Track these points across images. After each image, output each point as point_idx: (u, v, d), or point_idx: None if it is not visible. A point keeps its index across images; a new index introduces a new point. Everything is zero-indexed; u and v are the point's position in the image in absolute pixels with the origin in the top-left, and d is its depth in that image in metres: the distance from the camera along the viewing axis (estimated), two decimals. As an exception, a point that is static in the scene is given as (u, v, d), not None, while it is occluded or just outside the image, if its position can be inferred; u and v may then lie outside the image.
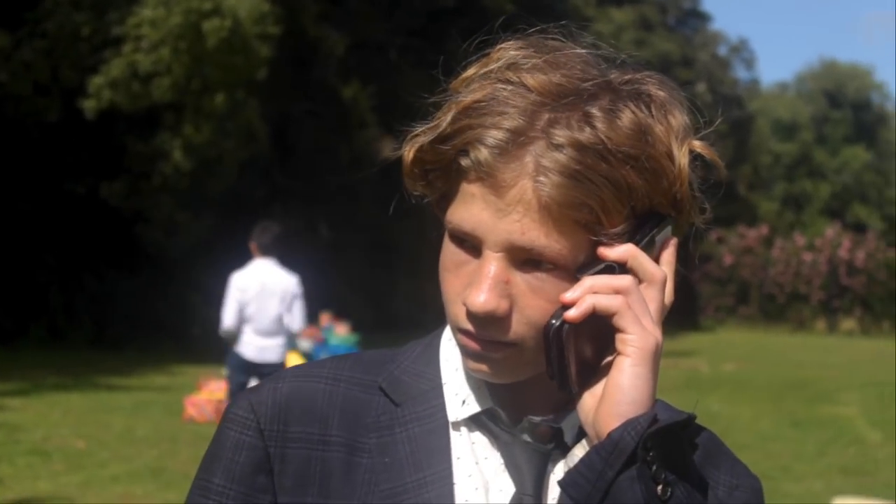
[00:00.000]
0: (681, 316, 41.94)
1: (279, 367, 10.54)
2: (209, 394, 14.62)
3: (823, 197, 71.03)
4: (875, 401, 19.96)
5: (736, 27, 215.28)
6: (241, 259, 11.51)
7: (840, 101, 74.71)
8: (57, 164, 23.20)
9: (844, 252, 44.92)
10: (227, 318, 10.82)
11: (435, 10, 32.81)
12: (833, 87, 75.14)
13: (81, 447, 12.21)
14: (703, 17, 58.67)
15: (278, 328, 10.99)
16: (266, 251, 11.00)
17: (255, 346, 10.87)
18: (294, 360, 15.23)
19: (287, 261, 11.12)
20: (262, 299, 10.86)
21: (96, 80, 21.14)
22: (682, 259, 1.42)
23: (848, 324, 45.30)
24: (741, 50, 62.95)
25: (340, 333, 17.87)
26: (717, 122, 1.45)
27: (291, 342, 15.95)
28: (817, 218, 66.42)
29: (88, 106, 21.14)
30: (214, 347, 14.74)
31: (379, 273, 31.50)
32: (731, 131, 51.91)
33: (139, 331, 23.08)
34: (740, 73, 72.46)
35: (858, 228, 52.54)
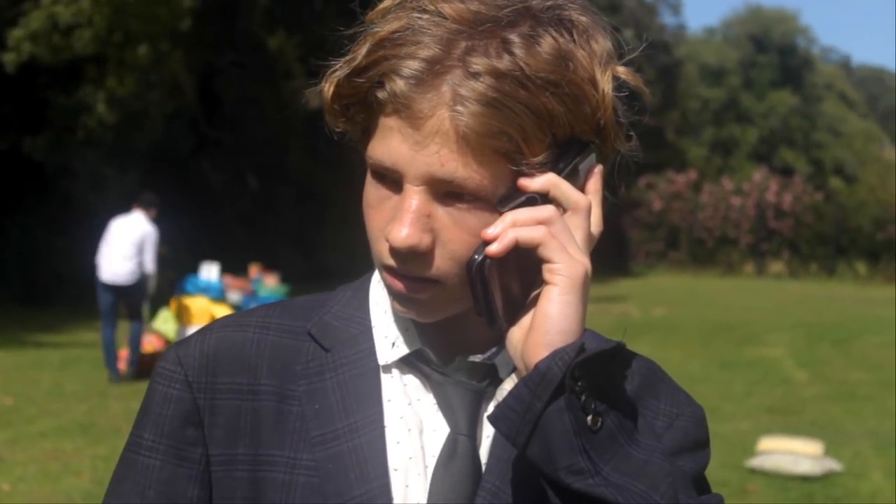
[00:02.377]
0: (611, 261, 42.19)
1: (130, 287, 13.91)
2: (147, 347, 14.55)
3: (751, 141, 71.57)
4: (802, 342, 20.27)
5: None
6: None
7: (766, 45, 75.20)
8: (-22, 119, 22.83)
9: (772, 196, 45.33)
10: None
11: (360, -41, 32.50)
12: (759, 31, 75.60)
13: (9, 404, 12.11)
14: (629, -37, 58.71)
15: (127, 258, 13.82)
16: (144, 207, 14.31)
17: (107, 271, 13.86)
18: (224, 313, 15.17)
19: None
20: (118, 236, 13.93)
21: (16, 33, 20.74)
22: (611, 188, 1.40)
23: (776, 267, 45.80)
24: (668, -5, 63.11)
25: (270, 285, 17.79)
26: (642, 46, 1.43)
27: (220, 294, 15.96)
28: (745, 162, 66.94)
29: (8, 59, 20.76)
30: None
31: (308, 224, 31.39)
32: (658, 77, 52.07)
33: (67, 286, 22.84)
34: (667, 18, 72.79)
35: (785, 172, 53.05)
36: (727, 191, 46.72)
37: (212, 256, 17.55)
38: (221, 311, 15.15)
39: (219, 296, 15.87)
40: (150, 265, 13.97)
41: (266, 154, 30.00)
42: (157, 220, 14.31)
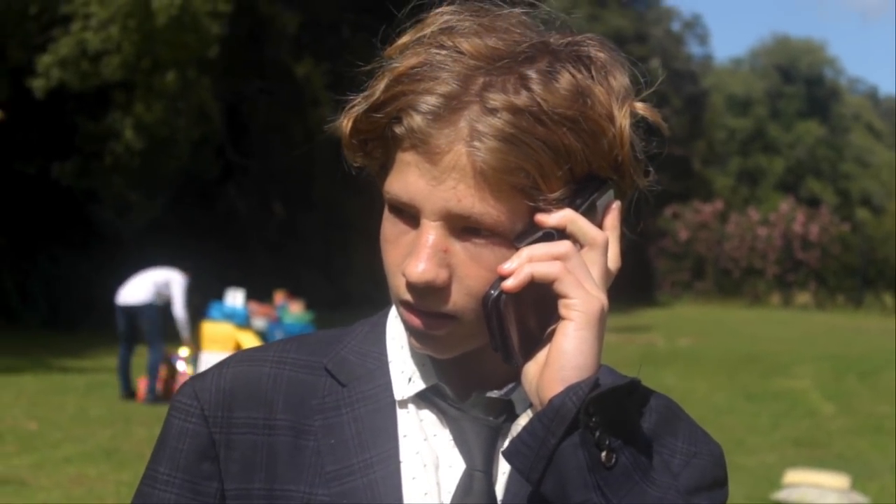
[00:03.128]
0: (637, 291, 42.07)
1: (138, 308, 14.45)
2: (162, 374, 14.55)
3: (777, 172, 71.48)
4: (829, 374, 20.15)
5: (689, 3, 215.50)
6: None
7: (793, 76, 75.16)
8: (7, 144, 22.97)
9: (798, 226, 45.21)
10: None
11: (387, -13, 32.60)
12: (786, 62, 75.58)
13: (34, 428, 12.14)
14: (656, -7, 58.79)
15: (143, 285, 14.51)
16: (181, 269, 14.84)
17: (121, 294, 14.61)
18: (248, 339, 15.19)
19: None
20: (143, 274, 14.74)
21: (45, 59, 20.93)
22: (630, 224, 1.39)
23: (802, 298, 45.64)
24: (694, 26, 63.30)
25: (295, 311, 17.80)
26: (661, 80, 1.42)
27: (245, 320, 15.98)
28: (771, 193, 66.82)
29: (37, 85, 20.94)
30: (168, 328, 14.68)
31: (334, 251, 31.44)
32: (685, 107, 52.05)
33: (93, 311, 22.91)
34: (694, 48, 72.80)
35: (812, 203, 52.98)
36: (753, 221, 46.62)
37: (237, 282, 17.58)
38: (246, 337, 15.18)
39: (244, 322, 15.89)
40: (178, 309, 14.58)
41: (292, 181, 30.09)
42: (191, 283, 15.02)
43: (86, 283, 23.55)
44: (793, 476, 10.47)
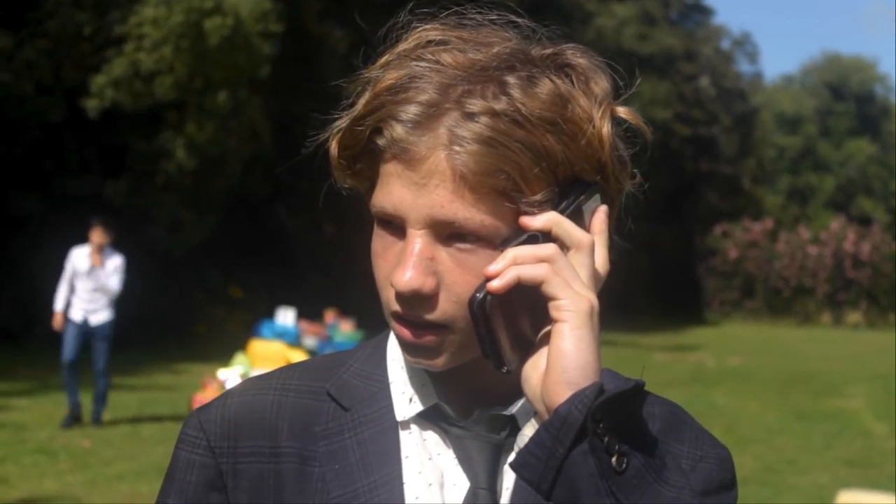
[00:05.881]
0: (686, 310, 41.87)
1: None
2: (214, 392, 14.59)
3: (828, 190, 70.88)
4: (881, 393, 19.96)
5: (739, 21, 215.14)
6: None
7: (844, 93, 74.60)
8: (60, 163, 23.20)
9: (849, 245, 44.91)
10: None
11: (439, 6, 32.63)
12: (837, 79, 75.04)
13: (87, 446, 12.22)
14: (705, 12, 58.45)
15: None
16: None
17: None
18: (299, 358, 15.23)
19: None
20: None
21: (98, 80, 21.12)
22: (620, 230, 1.41)
23: (853, 317, 45.28)
24: (744, 43, 62.77)
25: (345, 330, 17.85)
26: (636, 83, 1.44)
27: (296, 339, 16.04)
28: (822, 211, 66.31)
29: (91, 105, 21.12)
30: (219, 345, 14.73)
31: (383, 270, 31.43)
32: (734, 125, 51.80)
33: (144, 330, 23.06)
34: (743, 66, 72.67)
35: (863, 221, 52.52)
36: (804, 240, 46.35)
37: (287, 301, 17.64)
38: (297, 355, 15.21)
39: (294, 341, 15.94)
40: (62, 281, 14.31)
41: (342, 200, 30.15)
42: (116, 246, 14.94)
43: (138, 302, 23.68)
44: (846, 496, 10.37)
